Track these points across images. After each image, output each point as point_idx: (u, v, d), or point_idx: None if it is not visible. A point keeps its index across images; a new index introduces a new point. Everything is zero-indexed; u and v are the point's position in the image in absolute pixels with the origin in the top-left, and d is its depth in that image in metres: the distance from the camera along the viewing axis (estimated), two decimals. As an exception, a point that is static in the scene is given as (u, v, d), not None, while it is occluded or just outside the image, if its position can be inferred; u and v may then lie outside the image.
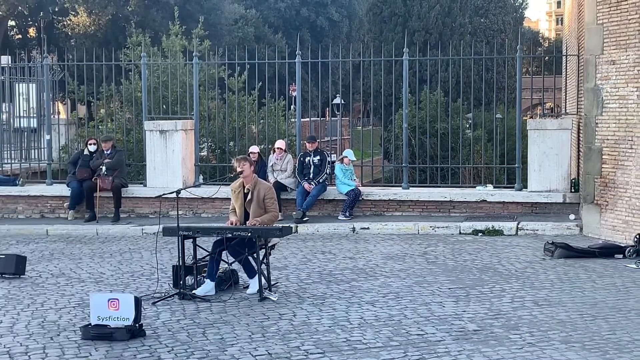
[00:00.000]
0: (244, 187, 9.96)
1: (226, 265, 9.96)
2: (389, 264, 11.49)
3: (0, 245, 13.65)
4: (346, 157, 15.71)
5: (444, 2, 44.51)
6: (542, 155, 14.77)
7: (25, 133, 18.75)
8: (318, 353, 7.25)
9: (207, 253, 9.86)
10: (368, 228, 14.37)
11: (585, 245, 12.28)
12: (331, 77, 16.87)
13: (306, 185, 15.12)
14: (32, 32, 51.27)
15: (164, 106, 18.06)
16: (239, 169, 9.91)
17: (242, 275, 10.10)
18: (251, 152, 15.08)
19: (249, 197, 9.87)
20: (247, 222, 9.79)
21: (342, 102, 27.63)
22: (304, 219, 14.76)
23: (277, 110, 19.20)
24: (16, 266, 10.79)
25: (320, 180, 15.25)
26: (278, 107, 19.28)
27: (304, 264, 11.59)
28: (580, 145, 14.64)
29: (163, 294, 9.53)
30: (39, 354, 7.36)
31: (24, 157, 18.53)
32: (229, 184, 10.71)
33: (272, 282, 9.83)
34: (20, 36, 51.65)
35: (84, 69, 17.57)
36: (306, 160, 15.40)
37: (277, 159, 15.49)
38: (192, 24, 28.27)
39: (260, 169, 15.06)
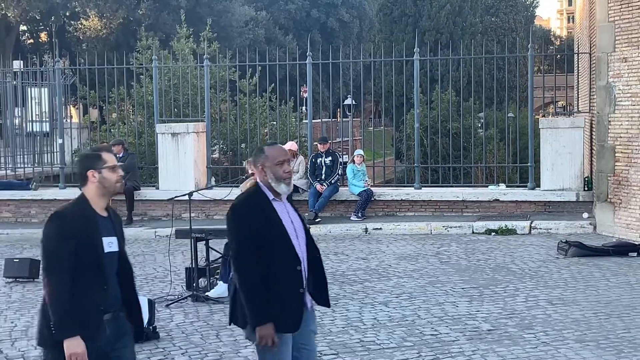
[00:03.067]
0: (255, 189, 9.96)
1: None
2: (402, 264, 11.47)
3: (14, 249, 13.70)
4: (357, 155, 15.70)
5: (455, 2, 44.46)
6: (555, 154, 14.72)
7: (38, 137, 18.83)
8: (332, 354, 7.24)
9: (220, 255, 9.88)
10: (380, 228, 14.35)
11: (599, 243, 12.23)
12: (342, 78, 16.85)
13: (318, 186, 15.11)
14: (43, 36, 51.48)
15: (175, 109, 18.11)
16: (251, 171, 9.91)
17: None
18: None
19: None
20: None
21: (354, 102, 27.61)
22: (317, 220, 14.75)
23: (288, 111, 19.21)
24: (30, 270, 10.82)
25: (332, 181, 15.25)
26: (289, 108, 19.30)
27: (316, 265, 11.56)
28: (593, 144, 14.59)
29: (176, 296, 9.54)
30: (54, 357, 7.37)
31: (36, 161, 18.60)
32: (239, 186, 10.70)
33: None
34: (32, 41, 51.88)
35: (95, 73, 17.64)
36: (318, 161, 15.40)
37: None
38: (202, 27, 28.30)
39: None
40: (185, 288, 9.94)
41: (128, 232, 14.86)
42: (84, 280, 4.46)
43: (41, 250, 4.53)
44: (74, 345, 4.40)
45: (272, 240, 4.82)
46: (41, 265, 4.60)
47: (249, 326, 4.84)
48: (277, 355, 4.84)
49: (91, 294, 4.49)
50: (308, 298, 5.02)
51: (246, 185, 10.12)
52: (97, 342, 4.51)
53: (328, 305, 5.21)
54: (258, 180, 5.02)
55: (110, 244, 4.61)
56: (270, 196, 4.94)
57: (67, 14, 46.80)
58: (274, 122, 19.51)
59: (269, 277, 4.78)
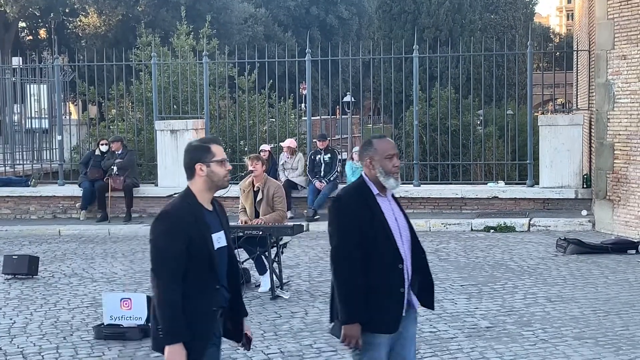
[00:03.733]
0: (253, 186, 9.97)
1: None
2: (401, 261, 11.45)
3: (13, 246, 13.70)
4: (355, 152, 15.69)
5: (454, -1, 44.42)
6: (554, 151, 14.73)
7: (37, 134, 18.83)
8: (330, 351, 7.25)
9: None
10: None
11: (598, 241, 12.24)
12: (341, 75, 16.84)
13: (317, 183, 15.11)
14: (42, 33, 51.40)
15: (175, 106, 18.10)
16: (251, 167, 9.91)
17: (254, 274, 10.11)
18: (262, 151, 15.10)
19: (259, 196, 9.87)
20: (253, 222, 9.79)
21: (353, 99, 27.61)
22: (315, 217, 14.75)
23: (287, 108, 19.21)
24: (29, 267, 10.83)
25: (331, 179, 15.24)
26: (288, 105, 19.30)
27: (315, 262, 11.59)
28: (592, 141, 14.59)
29: (175, 293, 9.53)
30: (52, 354, 7.39)
31: (35, 158, 18.60)
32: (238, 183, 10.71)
33: (284, 281, 9.84)
34: (31, 37, 51.81)
35: (94, 70, 17.63)
36: (317, 158, 15.40)
37: (288, 158, 15.50)
38: (202, 24, 28.27)
39: (271, 167, 15.07)
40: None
41: (127, 229, 14.99)
42: (197, 280, 4.26)
43: (150, 250, 4.33)
44: (174, 353, 4.17)
45: (374, 237, 4.63)
46: (150, 266, 4.35)
47: (336, 321, 4.67)
48: (372, 357, 4.63)
49: (204, 295, 4.29)
50: (413, 299, 4.81)
51: (245, 182, 10.14)
52: (210, 346, 4.33)
53: (432, 307, 4.99)
54: (363, 174, 4.79)
55: (219, 239, 4.40)
56: (375, 191, 4.74)
57: (66, 10, 46.75)
58: (273, 119, 19.50)
59: (368, 274, 4.60)
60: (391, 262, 4.65)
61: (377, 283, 4.61)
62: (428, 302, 4.92)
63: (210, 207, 4.44)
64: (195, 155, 4.41)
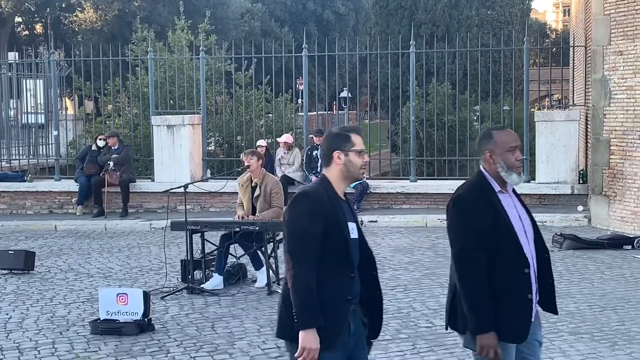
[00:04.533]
0: (251, 181, 9.97)
1: (234, 259, 9.97)
2: (397, 256, 11.48)
3: (9, 241, 13.69)
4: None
5: (450, -6, 44.36)
6: (550, 147, 14.74)
7: (33, 129, 18.80)
8: (327, 346, 7.24)
9: (215, 247, 9.88)
10: (376, 221, 14.36)
11: (594, 236, 12.26)
12: (338, 71, 16.85)
13: (313, 178, 15.11)
14: (38, 28, 51.34)
15: (171, 101, 18.08)
16: (246, 163, 9.90)
17: (250, 269, 10.11)
18: (259, 146, 15.10)
19: (257, 191, 9.86)
20: (249, 218, 9.78)
21: (349, 95, 27.60)
22: (312, 213, 14.72)
23: (284, 104, 19.20)
24: (25, 262, 10.81)
25: (328, 174, 15.23)
26: (285, 100, 19.29)
27: (312, 257, 11.56)
28: (588, 137, 14.60)
29: (171, 289, 9.54)
30: (49, 349, 7.38)
31: (31, 153, 18.57)
32: (237, 178, 10.71)
33: (280, 276, 9.84)
34: (27, 32, 51.75)
35: (90, 65, 17.60)
36: (313, 153, 15.40)
37: (284, 153, 15.50)
38: (198, 19, 28.28)
39: (268, 162, 15.06)
40: (180, 280, 9.94)
41: (123, 224, 14.97)
42: (332, 265, 4.07)
43: (286, 231, 4.15)
44: (309, 339, 3.99)
45: (498, 239, 4.28)
46: (285, 248, 4.15)
47: (468, 333, 4.34)
48: None
49: (338, 281, 4.09)
50: (535, 304, 4.45)
51: (244, 177, 10.13)
52: (343, 336, 4.11)
53: (556, 312, 4.62)
54: (482, 169, 4.45)
55: (352, 229, 4.20)
56: (497, 188, 4.39)
57: (63, 5, 46.68)
58: (270, 115, 19.49)
59: (493, 279, 4.25)
60: (517, 266, 4.32)
61: (502, 289, 4.28)
62: (550, 306, 4.59)
63: (343, 197, 4.30)
64: (335, 142, 4.28)
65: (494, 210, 4.32)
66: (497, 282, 4.26)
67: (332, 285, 4.09)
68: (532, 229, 4.48)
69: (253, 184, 9.94)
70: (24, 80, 18.68)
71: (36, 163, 18.21)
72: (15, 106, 18.82)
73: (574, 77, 17.13)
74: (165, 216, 11.36)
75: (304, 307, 4.01)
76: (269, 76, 17.64)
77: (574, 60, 17.29)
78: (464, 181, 4.71)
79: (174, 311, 8.64)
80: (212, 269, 9.79)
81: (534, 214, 4.65)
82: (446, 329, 4.64)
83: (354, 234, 4.21)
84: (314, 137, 15.70)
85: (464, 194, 4.41)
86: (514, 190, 4.53)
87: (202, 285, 9.53)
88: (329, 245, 4.08)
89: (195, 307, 8.82)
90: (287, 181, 14.94)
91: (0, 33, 44.44)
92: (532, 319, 4.38)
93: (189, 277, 9.58)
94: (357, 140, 4.28)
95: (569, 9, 67.91)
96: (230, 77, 20.07)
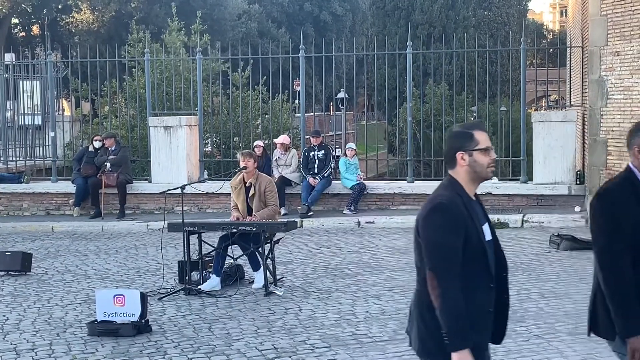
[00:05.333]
0: (244, 182, 9.96)
1: (232, 261, 9.97)
2: (395, 257, 11.48)
3: (6, 243, 13.67)
4: (349, 148, 15.72)
5: (447, -5, 44.39)
6: (547, 148, 14.74)
7: (30, 130, 18.78)
8: (324, 347, 7.24)
9: (213, 248, 9.87)
10: (373, 222, 14.35)
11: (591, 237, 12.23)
12: (335, 72, 16.84)
13: (311, 179, 15.11)
14: (35, 29, 51.25)
15: (168, 102, 18.07)
16: (243, 164, 9.90)
17: (248, 270, 10.10)
18: (256, 146, 15.09)
19: (251, 191, 9.86)
20: (246, 218, 9.79)
21: (346, 96, 27.61)
22: (309, 214, 14.75)
23: (281, 105, 19.20)
24: (22, 263, 10.80)
25: (325, 175, 15.25)
26: (282, 101, 19.30)
27: (309, 258, 11.58)
28: (585, 137, 14.61)
29: (169, 290, 9.54)
30: (46, 351, 7.37)
31: (28, 154, 18.55)
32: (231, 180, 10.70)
33: (278, 277, 9.84)
34: (23, 34, 51.66)
35: (87, 66, 17.59)
36: (310, 154, 15.39)
37: (281, 154, 15.50)
38: (194, 20, 28.23)
39: (265, 163, 15.07)
40: (177, 281, 9.94)
41: (121, 225, 14.96)
42: (472, 276, 3.84)
43: (425, 245, 3.86)
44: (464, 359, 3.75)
45: (637, 241, 4.02)
46: (426, 264, 3.86)
47: (618, 337, 4.06)
48: None
49: (479, 293, 3.87)
50: None
51: (236, 179, 10.12)
52: (486, 350, 3.94)
53: None
54: (631, 165, 4.17)
55: (486, 231, 3.99)
56: None
57: (59, 6, 46.63)
58: (267, 115, 19.49)
59: (638, 281, 3.99)
60: None
61: None
62: None
63: (474, 198, 4.06)
64: (457, 142, 3.99)
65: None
66: None
67: (473, 298, 3.86)
68: None
69: (247, 185, 9.94)
70: (21, 82, 18.67)
71: (33, 164, 18.19)
72: (12, 107, 18.80)
73: (570, 77, 17.14)
74: (163, 217, 11.34)
75: (456, 328, 3.77)
76: (265, 77, 17.64)
77: (570, 61, 17.30)
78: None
79: (171, 312, 8.63)
80: (210, 270, 9.79)
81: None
82: (588, 335, 4.43)
83: (488, 236, 4.02)
84: (311, 138, 15.70)
85: (610, 189, 4.17)
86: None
87: (199, 287, 9.52)
88: (468, 256, 3.86)
89: (192, 308, 8.81)
90: (284, 182, 14.94)
91: (-3, 34, 44.37)
92: None
93: (186, 278, 9.57)
94: (481, 138, 3.98)
95: (565, 10, 67.93)
96: (227, 78, 20.07)
